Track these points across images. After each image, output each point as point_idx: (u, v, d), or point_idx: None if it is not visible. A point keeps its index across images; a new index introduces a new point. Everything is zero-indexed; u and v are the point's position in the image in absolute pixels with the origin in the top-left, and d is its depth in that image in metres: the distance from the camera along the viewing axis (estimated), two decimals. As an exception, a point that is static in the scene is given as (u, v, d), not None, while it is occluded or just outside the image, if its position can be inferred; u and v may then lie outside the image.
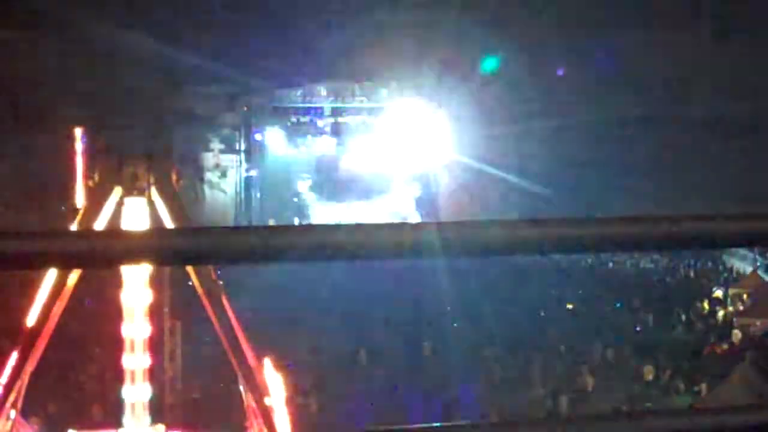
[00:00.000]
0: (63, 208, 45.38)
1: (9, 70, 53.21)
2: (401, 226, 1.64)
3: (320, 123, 63.12)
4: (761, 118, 52.99)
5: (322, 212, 63.34)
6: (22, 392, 14.99)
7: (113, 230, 3.41)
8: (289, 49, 56.72)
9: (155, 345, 15.63)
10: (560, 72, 57.89)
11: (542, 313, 34.62)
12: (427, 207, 63.71)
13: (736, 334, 29.77)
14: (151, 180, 14.95)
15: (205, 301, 15.12)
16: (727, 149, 55.07)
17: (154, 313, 15.36)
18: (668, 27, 56.82)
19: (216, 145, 61.52)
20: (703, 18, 57.50)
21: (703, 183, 51.58)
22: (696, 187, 50.23)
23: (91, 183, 15.30)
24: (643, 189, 50.54)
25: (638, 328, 32.96)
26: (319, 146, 64.15)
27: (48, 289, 14.68)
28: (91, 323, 24.35)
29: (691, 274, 47.28)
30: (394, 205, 63.07)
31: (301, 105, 62.67)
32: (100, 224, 14.46)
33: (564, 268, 47.93)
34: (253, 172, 63.67)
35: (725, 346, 28.95)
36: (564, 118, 55.97)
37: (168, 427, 16.14)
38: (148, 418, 15.44)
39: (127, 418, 15.34)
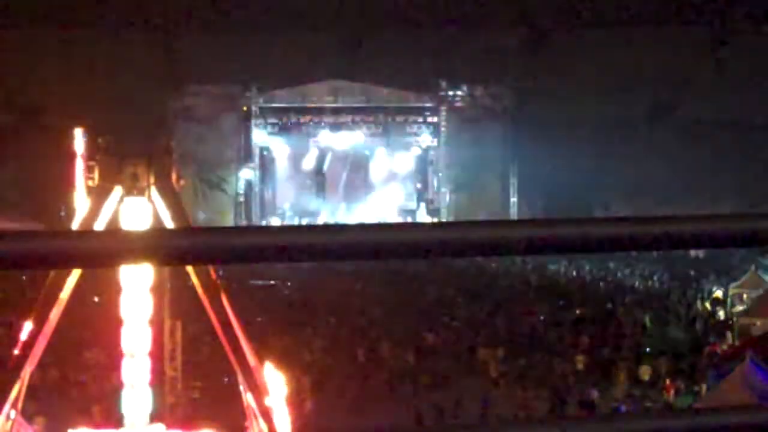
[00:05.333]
0: (63, 208, 45.52)
1: (9, 69, 53.22)
2: (401, 226, 1.64)
3: (320, 122, 63.11)
4: None
5: (322, 211, 63.39)
6: (23, 392, 15.00)
7: (113, 230, 3.41)
8: (289, 49, 56.73)
9: (155, 345, 15.63)
10: None
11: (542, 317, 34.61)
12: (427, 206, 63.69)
13: (730, 337, 29.76)
14: (151, 180, 14.95)
15: (205, 301, 15.12)
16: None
17: (154, 312, 15.35)
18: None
19: (216, 144, 61.50)
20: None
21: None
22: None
23: (91, 183, 15.30)
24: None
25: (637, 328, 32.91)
26: (319, 145, 64.14)
27: (48, 289, 14.69)
28: (90, 323, 24.37)
29: (691, 273, 47.29)
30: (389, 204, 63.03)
31: (300, 105, 62.65)
32: (100, 224, 14.46)
33: (562, 270, 47.99)
34: (253, 172, 63.66)
35: (725, 346, 28.93)
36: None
37: (168, 426, 16.14)
38: (148, 418, 15.43)
39: (127, 418, 15.33)
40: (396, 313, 34.17)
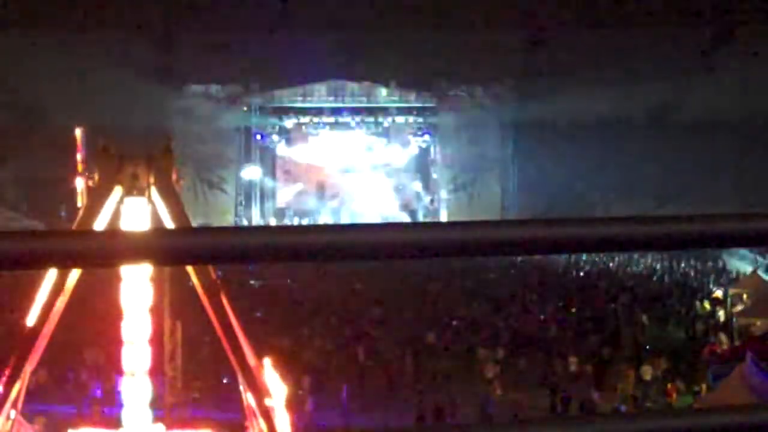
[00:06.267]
0: (63, 208, 45.57)
1: (9, 69, 53.22)
2: (401, 226, 1.64)
3: (320, 123, 63.17)
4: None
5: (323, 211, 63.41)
6: (23, 392, 15.00)
7: (113, 230, 3.41)
8: (289, 49, 56.74)
9: (155, 345, 15.63)
10: None
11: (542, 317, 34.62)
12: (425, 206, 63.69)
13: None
14: (151, 180, 14.95)
15: (205, 301, 15.12)
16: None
17: (154, 313, 15.36)
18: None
19: (216, 144, 61.53)
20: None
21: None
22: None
23: (91, 183, 15.30)
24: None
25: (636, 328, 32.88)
26: (319, 145, 64.17)
27: (48, 289, 14.68)
28: (91, 322, 24.38)
29: (692, 273, 47.34)
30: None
31: (300, 105, 62.71)
32: (100, 224, 14.46)
33: (557, 269, 48.00)
34: (254, 172, 63.68)
35: (725, 346, 28.93)
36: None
37: (168, 427, 16.14)
38: (148, 418, 15.43)
39: (127, 418, 15.33)
40: (396, 313, 34.20)
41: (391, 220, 58.21)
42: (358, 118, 62.89)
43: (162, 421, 16.11)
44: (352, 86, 61.82)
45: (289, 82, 60.86)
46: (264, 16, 56.10)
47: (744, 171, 54.59)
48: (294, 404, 16.74)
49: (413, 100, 62.82)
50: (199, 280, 15.05)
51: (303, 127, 63.67)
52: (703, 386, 24.23)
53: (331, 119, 63.04)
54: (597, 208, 55.89)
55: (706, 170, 54.96)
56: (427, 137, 63.86)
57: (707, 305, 36.29)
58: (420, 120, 63.34)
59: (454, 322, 33.17)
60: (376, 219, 58.71)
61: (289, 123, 63.56)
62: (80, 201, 15.63)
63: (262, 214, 64.24)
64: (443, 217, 60.79)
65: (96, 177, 15.15)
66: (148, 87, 54.04)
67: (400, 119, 63.20)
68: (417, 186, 64.69)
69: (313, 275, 41.60)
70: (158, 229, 1.67)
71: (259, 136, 63.92)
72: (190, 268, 14.46)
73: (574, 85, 55.38)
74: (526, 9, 57.47)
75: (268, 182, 65.19)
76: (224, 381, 22.12)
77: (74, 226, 15.23)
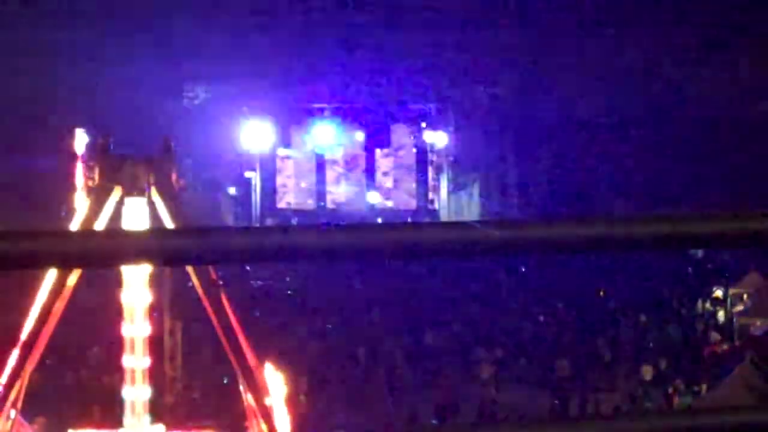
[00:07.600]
0: (63, 209, 45.49)
1: (9, 69, 53.20)
2: (401, 227, 1.64)
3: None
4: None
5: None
6: (22, 392, 15.00)
7: (113, 230, 3.42)
8: (289, 49, 56.73)
9: (155, 345, 15.64)
10: None
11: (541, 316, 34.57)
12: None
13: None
14: (151, 180, 14.94)
15: (205, 301, 15.13)
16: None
17: (154, 313, 15.37)
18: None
19: (216, 145, 61.49)
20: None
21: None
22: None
23: (91, 183, 15.30)
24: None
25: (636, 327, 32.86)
26: (319, 145, 64.16)
27: (48, 289, 14.68)
28: (91, 322, 24.36)
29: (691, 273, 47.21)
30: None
31: (300, 105, 62.71)
32: (100, 224, 14.46)
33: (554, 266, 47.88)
34: (253, 173, 63.67)
35: (725, 346, 28.93)
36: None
37: (168, 427, 16.13)
38: (148, 418, 15.43)
39: (127, 418, 15.33)
40: (395, 313, 34.15)
41: (391, 220, 58.20)
42: (358, 118, 62.92)
43: (162, 421, 16.11)
44: (352, 86, 61.82)
45: (289, 82, 60.84)
46: (263, 17, 56.10)
47: (744, 171, 54.56)
48: (293, 404, 16.75)
49: (413, 101, 62.82)
50: (199, 280, 15.06)
51: (303, 127, 63.67)
52: (703, 386, 24.26)
53: (332, 119, 63.06)
54: (597, 209, 55.84)
55: (707, 170, 54.92)
56: (427, 137, 63.85)
57: (708, 305, 36.25)
58: (420, 120, 63.35)
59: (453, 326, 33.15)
60: (375, 220, 58.68)
61: (289, 123, 63.53)
62: (80, 201, 15.63)
63: (262, 215, 64.21)
64: (443, 218, 60.78)
65: (96, 177, 15.15)
66: (148, 87, 54.00)
67: (400, 119, 63.23)
68: (417, 186, 64.66)
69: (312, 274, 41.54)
70: (158, 229, 1.68)
71: (259, 136, 63.88)
72: (190, 268, 14.46)
73: (575, 85, 55.35)
74: (526, 8, 57.48)
75: (268, 182, 65.14)
76: (224, 381, 22.09)
77: (74, 226, 15.22)
